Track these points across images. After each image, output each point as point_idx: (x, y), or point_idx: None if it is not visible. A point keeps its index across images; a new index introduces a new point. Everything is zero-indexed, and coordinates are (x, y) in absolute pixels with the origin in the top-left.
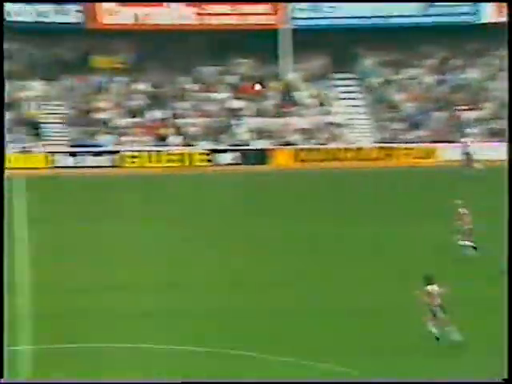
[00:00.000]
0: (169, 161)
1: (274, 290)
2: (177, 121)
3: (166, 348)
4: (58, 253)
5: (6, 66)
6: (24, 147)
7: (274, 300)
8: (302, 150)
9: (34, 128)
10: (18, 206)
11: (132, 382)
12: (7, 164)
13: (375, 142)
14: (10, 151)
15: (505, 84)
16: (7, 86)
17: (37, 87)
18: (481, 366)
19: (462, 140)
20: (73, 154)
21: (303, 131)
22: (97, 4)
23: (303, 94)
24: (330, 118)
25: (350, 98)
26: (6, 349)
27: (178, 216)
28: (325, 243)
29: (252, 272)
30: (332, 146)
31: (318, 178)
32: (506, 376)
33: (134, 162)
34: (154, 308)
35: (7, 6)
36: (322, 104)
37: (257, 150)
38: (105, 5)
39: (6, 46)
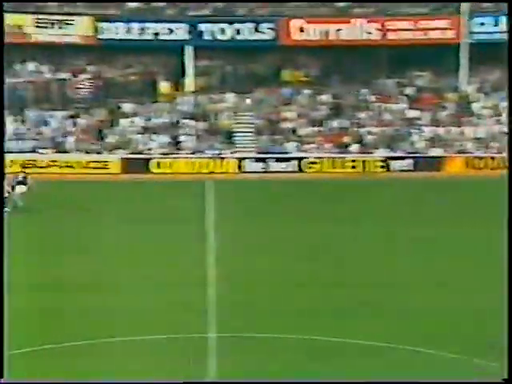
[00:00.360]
0: (346, 167)
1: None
2: (356, 129)
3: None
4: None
5: (203, 81)
6: (216, 154)
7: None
8: (475, 158)
9: (227, 137)
10: (208, 206)
11: (132, 382)
12: (200, 169)
13: None
14: (204, 157)
15: None
16: (203, 99)
17: (230, 99)
18: None
19: None
20: (261, 160)
21: (477, 140)
22: (289, 22)
23: (479, 105)
24: (504, 128)
25: None
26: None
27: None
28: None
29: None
30: (505, 154)
31: (490, 186)
32: (505, 376)
33: (314, 168)
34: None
35: (209, 27)
36: (496, 114)
37: (431, 157)
38: (296, 22)
39: (204, 62)
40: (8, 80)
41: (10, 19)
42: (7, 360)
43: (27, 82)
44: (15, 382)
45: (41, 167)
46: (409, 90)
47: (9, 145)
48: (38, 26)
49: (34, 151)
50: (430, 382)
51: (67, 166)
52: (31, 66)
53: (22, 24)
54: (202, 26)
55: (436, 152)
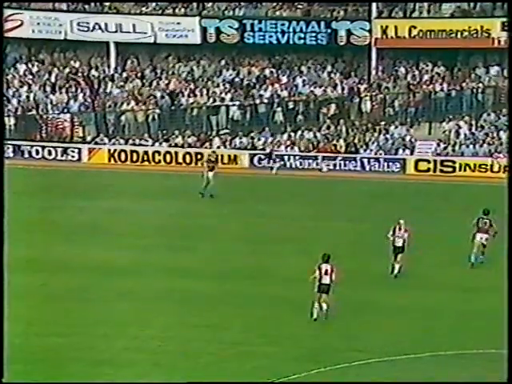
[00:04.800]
0: None
1: None
2: None
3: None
4: None
5: None
6: None
7: None
8: None
9: None
10: None
11: (131, 383)
12: None
13: None
14: None
15: None
16: None
17: None
18: None
19: None
20: None
21: None
22: None
23: None
24: None
25: None
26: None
27: None
28: None
29: None
30: None
31: None
32: (505, 375)
33: None
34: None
35: None
36: None
37: None
38: None
39: None
40: (469, 84)
41: (475, 24)
42: None
43: (488, 86)
44: (15, 383)
45: (494, 172)
46: None
47: (461, 148)
48: (504, 30)
49: (490, 155)
50: (428, 383)
51: None
52: (493, 70)
53: (490, 28)
54: None
55: None
